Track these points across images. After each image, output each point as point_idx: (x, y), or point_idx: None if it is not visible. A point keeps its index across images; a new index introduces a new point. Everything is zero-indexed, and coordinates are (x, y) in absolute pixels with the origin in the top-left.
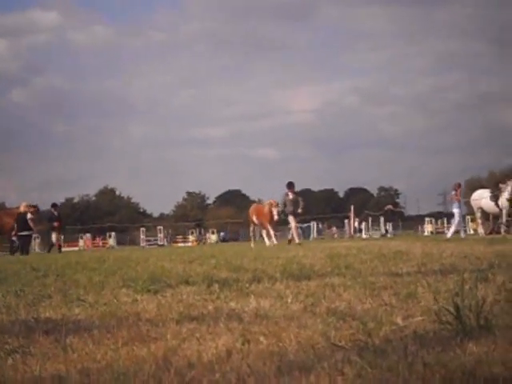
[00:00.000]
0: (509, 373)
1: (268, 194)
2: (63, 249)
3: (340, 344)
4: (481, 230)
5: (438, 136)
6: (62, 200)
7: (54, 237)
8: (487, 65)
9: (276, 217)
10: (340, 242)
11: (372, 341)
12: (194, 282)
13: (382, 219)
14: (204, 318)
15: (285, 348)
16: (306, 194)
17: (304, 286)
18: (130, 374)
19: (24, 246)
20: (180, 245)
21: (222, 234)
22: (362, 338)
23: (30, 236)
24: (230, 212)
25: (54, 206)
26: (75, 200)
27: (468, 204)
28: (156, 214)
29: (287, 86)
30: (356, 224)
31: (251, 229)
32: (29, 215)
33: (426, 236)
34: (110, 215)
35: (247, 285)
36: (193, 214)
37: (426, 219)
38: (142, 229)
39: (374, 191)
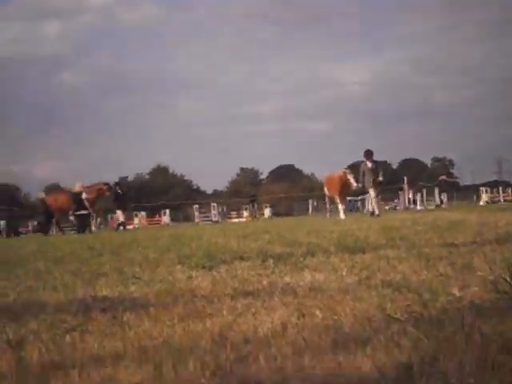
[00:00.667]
0: None
1: (321, 167)
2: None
3: (396, 316)
4: None
5: (492, 104)
6: (116, 179)
7: (120, 215)
8: None
9: (354, 184)
10: (395, 214)
11: (428, 312)
12: (249, 257)
13: (436, 190)
14: (259, 293)
15: (340, 321)
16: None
17: (358, 258)
18: (187, 349)
19: (81, 225)
20: (234, 221)
21: (269, 209)
22: (418, 310)
23: (86, 215)
24: (284, 187)
25: (117, 184)
26: (129, 179)
27: None
28: (209, 191)
29: (335, 58)
30: (410, 195)
31: (327, 200)
32: (84, 195)
33: (482, 206)
34: (163, 193)
35: (301, 259)
36: (246, 190)
37: (481, 189)
38: (195, 206)
39: (428, 162)
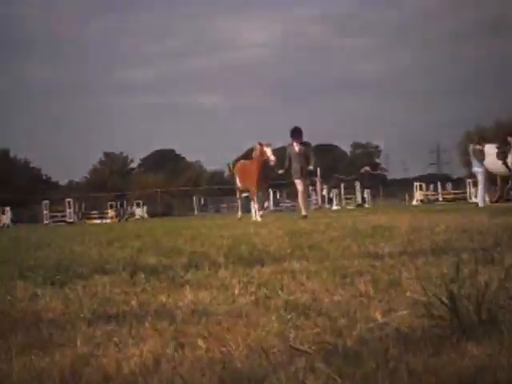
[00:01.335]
0: None
1: (209, 153)
2: None
3: (302, 347)
4: (485, 198)
5: (429, 75)
6: None
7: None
8: None
9: (272, 157)
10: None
11: (343, 342)
12: (113, 270)
13: (357, 185)
14: (125, 317)
15: (230, 354)
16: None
17: (256, 272)
18: None
19: None
20: (95, 222)
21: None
22: (330, 339)
23: None
24: (161, 179)
25: None
26: None
27: (468, 163)
28: (63, 183)
29: (232, 10)
30: (324, 192)
31: (237, 195)
32: None
33: (415, 205)
34: (2, 185)
35: (182, 273)
36: (112, 182)
37: (415, 184)
38: (44, 202)
39: (347, 148)
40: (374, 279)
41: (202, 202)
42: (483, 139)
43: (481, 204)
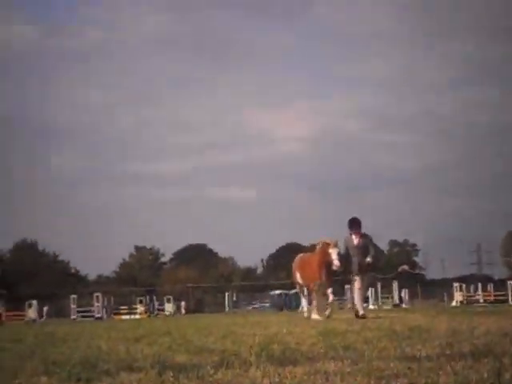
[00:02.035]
0: None
1: (241, 248)
2: None
3: None
4: None
5: (470, 172)
6: None
7: None
8: None
9: (336, 262)
10: (339, 315)
11: None
12: (141, 367)
13: (395, 284)
14: None
15: None
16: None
17: (288, 372)
18: None
19: None
20: (124, 317)
21: (173, 303)
22: None
23: None
24: (192, 274)
25: None
26: None
27: (510, 264)
28: (92, 277)
29: (267, 103)
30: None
31: (298, 290)
32: None
33: (454, 307)
34: (30, 278)
35: (212, 371)
36: (142, 277)
37: (455, 284)
38: (72, 296)
39: (384, 246)
40: (411, 382)
41: (235, 297)
42: None
43: None
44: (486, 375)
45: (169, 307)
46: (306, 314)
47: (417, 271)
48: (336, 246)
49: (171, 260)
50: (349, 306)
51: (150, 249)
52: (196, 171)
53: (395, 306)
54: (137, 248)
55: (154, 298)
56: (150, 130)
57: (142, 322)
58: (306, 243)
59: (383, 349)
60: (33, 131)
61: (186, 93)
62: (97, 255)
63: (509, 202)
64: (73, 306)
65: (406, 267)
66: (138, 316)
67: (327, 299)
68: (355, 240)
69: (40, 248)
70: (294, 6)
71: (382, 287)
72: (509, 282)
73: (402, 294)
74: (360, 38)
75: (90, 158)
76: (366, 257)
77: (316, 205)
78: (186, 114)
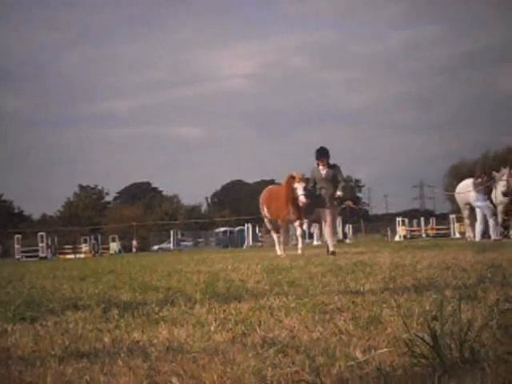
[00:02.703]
0: None
1: (187, 186)
2: None
3: None
4: (469, 233)
5: (413, 108)
6: None
7: None
8: (477, 12)
9: (302, 198)
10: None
11: (322, 381)
12: (86, 306)
13: (339, 219)
14: (97, 354)
15: None
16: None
17: (233, 309)
18: None
19: None
20: (69, 257)
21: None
22: (309, 378)
23: None
24: (137, 212)
25: None
26: None
27: (452, 198)
28: (36, 216)
29: (212, 43)
30: (304, 227)
31: (268, 226)
32: None
33: (398, 241)
34: None
35: (157, 309)
36: (87, 216)
37: (398, 219)
38: (16, 236)
39: None
40: (355, 316)
41: (180, 235)
42: (485, 173)
43: (477, 238)
44: (428, 308)
45: (114, 246)
46: (278, 252)
47: (360, 207)
48: (302, 180)
49: (115, 198)
50: (315, 242)
51: (94, 188)
52: (142, 109)
53: (339, 241)
54: (81, 187)
55: (99, 236)
56: (95, 69)
57: (87, 261)
58: (250, 180)
59: (327, 284)
60: None
61: (134, 32)
62: (41, 195)
63: (452, 138)
64: (17, 246)
65: (349, 203)
66: (82, 255)
67: (296, 231)
68: (323, 171)
69: None
70: None
71: None
72: (451, 216)
73: (346, 230)
74: None
75: (36, 98)
76: (335, 189)
77: (262, 142)
78: (133, 52)
